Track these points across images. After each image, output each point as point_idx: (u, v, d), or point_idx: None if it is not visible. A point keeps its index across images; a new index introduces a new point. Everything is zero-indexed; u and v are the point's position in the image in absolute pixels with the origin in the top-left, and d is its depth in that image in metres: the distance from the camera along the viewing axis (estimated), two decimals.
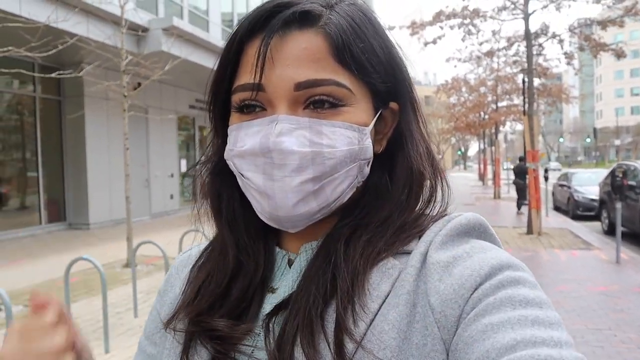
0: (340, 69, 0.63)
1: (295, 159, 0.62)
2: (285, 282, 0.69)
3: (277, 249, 0.73)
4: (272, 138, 0.62)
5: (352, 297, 0.60)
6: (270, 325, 0.64)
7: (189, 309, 0.70)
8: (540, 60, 17.48)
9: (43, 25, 5.60)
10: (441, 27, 13.55)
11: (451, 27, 13.60)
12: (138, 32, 10.82)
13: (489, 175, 34.83)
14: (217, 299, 0.69)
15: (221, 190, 0.74)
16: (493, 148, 27.93)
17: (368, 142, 0.67)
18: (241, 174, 0.67)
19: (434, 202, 0.71)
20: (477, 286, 0.57)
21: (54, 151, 12.94)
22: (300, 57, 0.62)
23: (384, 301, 0.60)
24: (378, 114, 0.69)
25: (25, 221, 12.12)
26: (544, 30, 13.17)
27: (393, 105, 0.71)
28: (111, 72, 10.19)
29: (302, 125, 0.63)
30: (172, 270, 0.84)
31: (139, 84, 9.04)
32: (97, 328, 5.24)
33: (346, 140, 0.64)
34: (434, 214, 0.71)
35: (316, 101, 0.63)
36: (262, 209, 0.66)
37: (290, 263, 0.72)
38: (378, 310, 0.60)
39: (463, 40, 14.42)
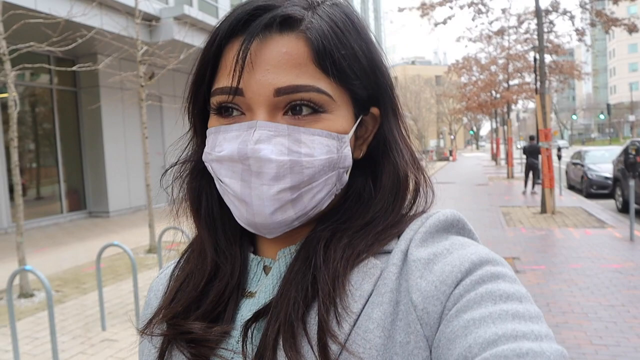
0: (321, 75, 0.62)
1: (273, 167, 0.61)
2: (264, 287, 0.68)
3: (252, 256, 0.73)
4: (250, 145, 0.61)
5: (334, 299, 0.60)
6: (249, 330, 0.64)
7: (165, 311, 0.70)
8: (552, 37, 17.35)
9: (63, 20, 5.75)
10: (451, 7, 13.56)
11: (461, 7, 13.61)
12: (151, 22, 10.95)
13: (502, 154, 34.74)
14: (193, 301, 0.69)
15: (200, 192, 0.74)
16: (505, 127, 27.82)
17: (347, 151, 0.66)
18: (219, 179, 0.66)
19: (417, 204, 0.71)
20: (458, 282, 0.57)
21: (72, 142, 13.19)
22: (280, 62, 0.61)
23: (367, 300, 0.60)
24: (358, 120, 0.68)
25: (47, 210, 12.43)
26: (554, 6, 13.12)
27: (374, 110, 0.70)
28: (125, 62, 10.35)
29: (281, 132, 0.62)
30: (149, 294, 0.82)
31: (153, 74, 9.18)
32: (127, 311, 5.49)
33: (325, 149, 0.63)
34: (414, 214, 0.71)
35: (295, 106, 0.62)
36: (240, 214, 0.65)
37: (265, 269, 0.71)
38: (362, 310, 0.60)
39: (473, 19, 14.42)
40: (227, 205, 0.69)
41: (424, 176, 0.72)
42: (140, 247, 8.76)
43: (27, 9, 6.65)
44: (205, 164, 0.69)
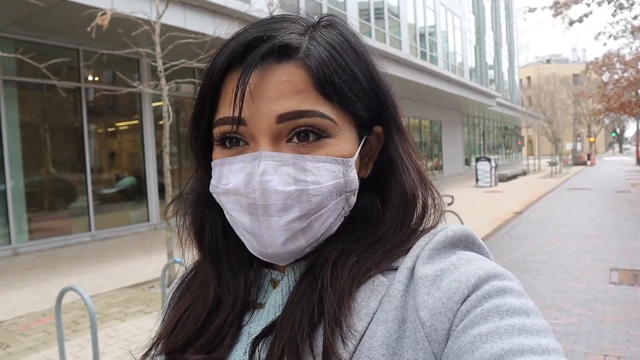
0: (322, 100, 0.62)
1: (280, 198, 0.61)
2: (273, 301, 0.68)
3: (263, 270, 0.73)
4: (257, 177, 0.61)
5: (340, 319, 0.59)
6: (257, 350, 0.64)
7: (165, 343, 0.70)
8: None
9: (210, 38, 6.45)
10: (588, 4, 12.79)
11: (599, 4, 12.77)
12: None
13: None
14: (193, 334, 0.69)
15: (204, 222, 0.74)
16: None
17: (353, 174, 0.66)
18: (228, 213, 0.67)
19: (426, 220, 0.71)
20: (464, 298, 0.56)
21: None
22: (281, 90, 0.61)
23: (372, 318, 0.60)
24: (363, 141, 0.68)
25: None
26: None
27: (377, 128, 0.70)
28: None
29: (286, 162, 0.62)
30: (170, 293, 0.84)
31: None
32: None
33: (331, 175, 0.63)
34: (423, 230, 0.70)
35: (300, 133, 0.62)
36: (251, 246, 0.66)
37: (273, 282, 0.71)
38: (367, 328, 0.59)
39: (614, 15, 13.49)
40: (231, 235, 0.70)
41: (432, 192, 0.72)
42: None
43: (180, 29, 7.53)
44: (214, 195, 0.69)
